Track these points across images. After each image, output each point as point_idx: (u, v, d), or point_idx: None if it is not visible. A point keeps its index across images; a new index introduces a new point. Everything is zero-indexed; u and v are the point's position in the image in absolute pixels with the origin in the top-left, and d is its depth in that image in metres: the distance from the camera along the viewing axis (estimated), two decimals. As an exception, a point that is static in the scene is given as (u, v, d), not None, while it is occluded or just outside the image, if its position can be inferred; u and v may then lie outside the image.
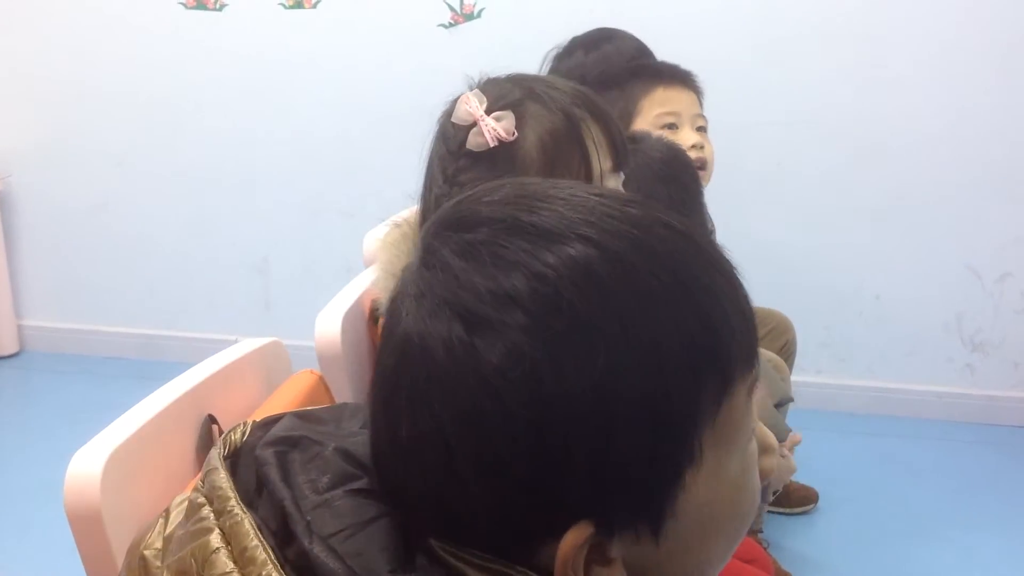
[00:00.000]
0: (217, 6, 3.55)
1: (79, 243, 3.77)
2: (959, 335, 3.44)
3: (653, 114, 2.09)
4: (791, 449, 2.29)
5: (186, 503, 0.67)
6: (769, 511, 2.55)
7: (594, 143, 1.16)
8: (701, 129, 2.14)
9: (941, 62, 3.24)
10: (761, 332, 2.42)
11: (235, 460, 0.67)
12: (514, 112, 1.11)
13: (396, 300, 0.62)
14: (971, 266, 3.37)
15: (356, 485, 0.63)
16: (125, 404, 1.08)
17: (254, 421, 0.72)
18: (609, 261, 0.57)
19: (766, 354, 2.61)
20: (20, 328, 3.89)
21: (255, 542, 0.60)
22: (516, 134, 1.11)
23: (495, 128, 1.09)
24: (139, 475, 1.02)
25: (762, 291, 2.93)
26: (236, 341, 1.33)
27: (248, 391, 1.29)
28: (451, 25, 3.45)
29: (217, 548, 0.61)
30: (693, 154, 2.09)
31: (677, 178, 1.62)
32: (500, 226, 0.59)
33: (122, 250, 3.72)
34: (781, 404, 2.32)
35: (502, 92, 1.15)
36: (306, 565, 0.59)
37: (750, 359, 0.61)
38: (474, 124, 1.11)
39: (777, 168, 3.37)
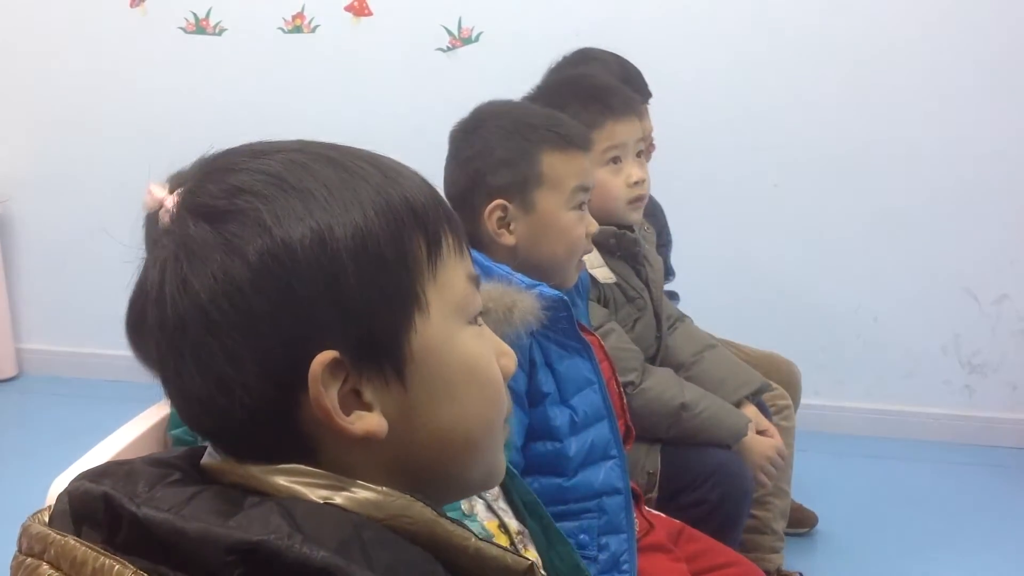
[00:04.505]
0: (216, 31, 3.58)
1: (77, 267, 3.77)
2: (957, 357, 3.44)
3: (600, 149, 2.01)
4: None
5: None
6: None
7: None
8: (640, 154, 2.11)
9: (937, 84, 3.26)
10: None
11: (50, 522, 0.70)
12: None
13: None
14: (968, 288, 3.38)
15: (171, 479, 0.68)
16: (124, 427, 1.09)
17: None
18: (314, 154, 0.72)
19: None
20: (18, 351, 3.89)
21: (82, 548, 0.65)
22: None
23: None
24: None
25: (760, 313, 2.96)
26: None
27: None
28: (449, 49, 3.47)
29: (50, 575, 0.65)
30: (635, 191, 2.07)
31: None
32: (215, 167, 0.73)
33: (120, 274, 3.71)
34: (759, 392, 2.31)
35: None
36: (139, 535, 0.64)
37: (446, 225, 0.74)
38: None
39: (774, 190, 3.38)
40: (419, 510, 0.68)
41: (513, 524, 1.30)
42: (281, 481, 0.67)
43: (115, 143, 3.66)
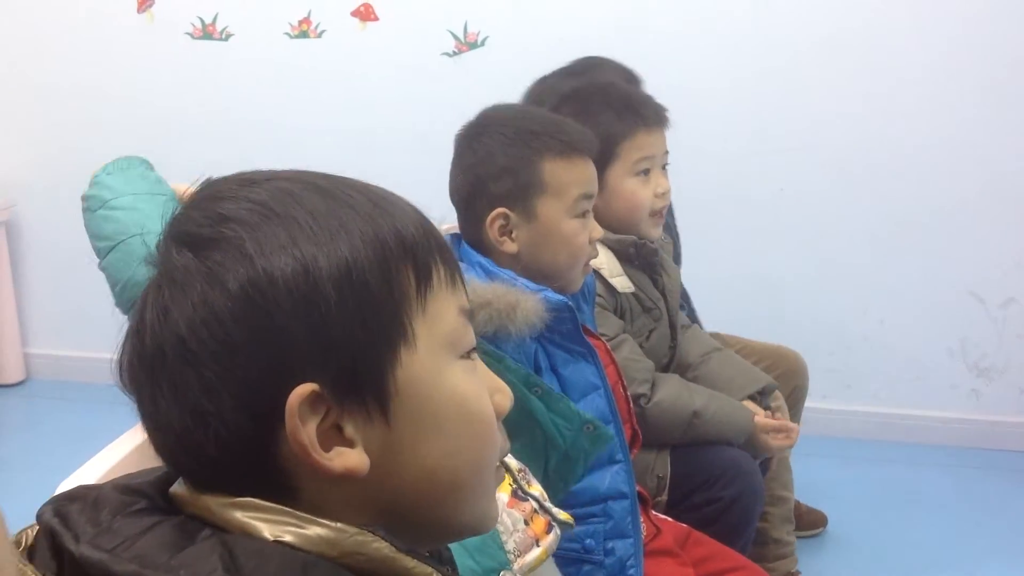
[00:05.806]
0: (223, 36, 3.58)
1: (85, 272, 3.75)
2: (964, 361, 3.43)
3: (632, 159, 2.04)
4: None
5: None
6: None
7: None
8: (664, 167, 2.12)
9: (941, 89, 3.25)
10: (773, 373, 2.40)
11: (32, 549, 0.68)
12: None
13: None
14: (975, 292, 3.37)
15: (134, 508, 0.67)
16: (131, 432, 1.09)
17: None
18: (303, 182, 0.71)
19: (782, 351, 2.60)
20: (26, 356, 3.90)
21: None
22: None
23: None
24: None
25: (767, 317, 2.94)
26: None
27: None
28: (455, 54, 3.47)
29: None
30: (660, 203, 2.09)
31: None
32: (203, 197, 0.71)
33: (128, 278, 3.72)
34: (765, 393, 2.30)
35: None
36: (78, 573, 0.62)
37: (437, 256, 0.72)
38: None
39: (780, 195, 3.37)
40: (375, 547, 0.65)
41: (514, 463, 1.31)
42: (237, 515, 0.65)
43: (122, 149, 3.64)
